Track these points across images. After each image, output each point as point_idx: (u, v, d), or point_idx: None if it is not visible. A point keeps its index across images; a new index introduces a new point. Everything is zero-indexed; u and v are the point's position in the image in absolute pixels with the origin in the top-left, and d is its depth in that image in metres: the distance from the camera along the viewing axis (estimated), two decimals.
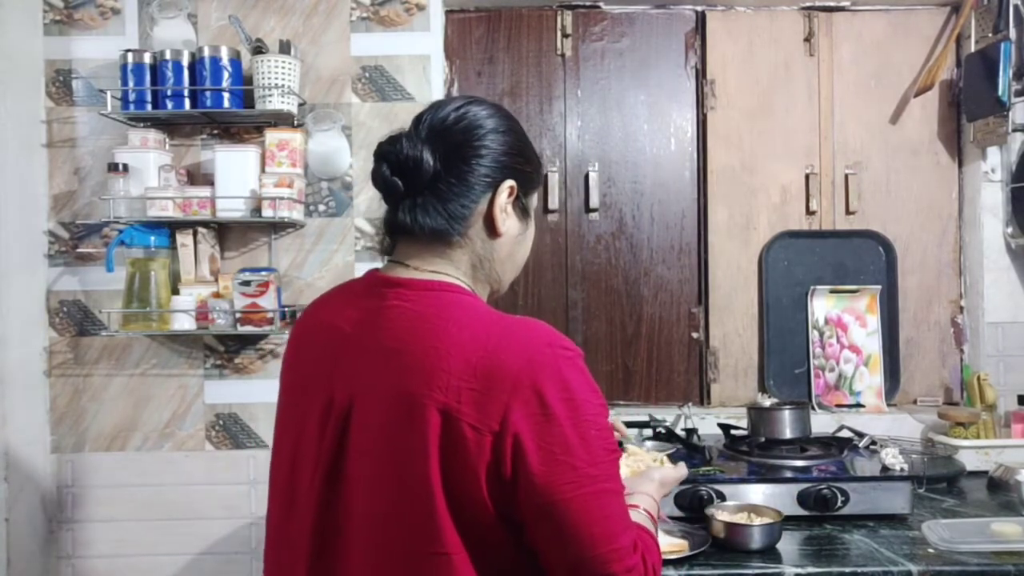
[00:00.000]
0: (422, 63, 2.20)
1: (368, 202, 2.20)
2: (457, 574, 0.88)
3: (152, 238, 2.06)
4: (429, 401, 0.87)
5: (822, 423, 2.10)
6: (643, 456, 1.41)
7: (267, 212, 2.02)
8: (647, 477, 1.21)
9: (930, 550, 1.45)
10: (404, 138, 1.00)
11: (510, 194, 1.02)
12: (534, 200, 1.10)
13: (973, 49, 2.22)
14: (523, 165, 1.05)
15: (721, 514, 1.55)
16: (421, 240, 1.00)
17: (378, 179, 1.00)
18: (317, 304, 1.08)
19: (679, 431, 2.04)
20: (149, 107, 2.07)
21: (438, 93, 2.21)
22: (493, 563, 0.90)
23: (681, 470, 1.28)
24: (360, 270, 2.19)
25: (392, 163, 0.99)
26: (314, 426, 0.97)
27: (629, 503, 1.14)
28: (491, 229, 1.02)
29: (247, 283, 2.02)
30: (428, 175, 0.98)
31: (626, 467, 1.35)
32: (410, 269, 1.00)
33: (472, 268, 1.02)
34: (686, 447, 1.91)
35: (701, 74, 2.35)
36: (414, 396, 0.88)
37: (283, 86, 2.05)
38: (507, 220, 1.02)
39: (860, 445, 1.86)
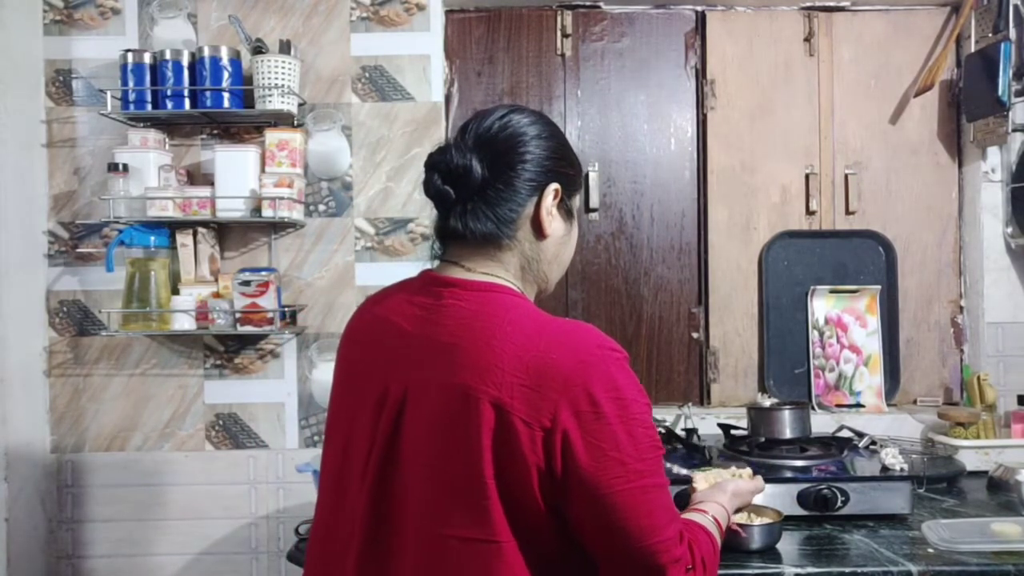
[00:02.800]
0: (422, 63, 2.21)
1: (368, 202, 2.20)
2: (506, 561, 0.92)
3: (152, 238, 2.06)
4: (482, 395, 0.91)
5: (822, 423, 2.10)
6: (723, 472, 1.48)
7: (267, 212, 2.02)
8: (720, 488, 1.33)
9: (930, 550, 1.45)
10: (452, 148, 1.03)
11: (555, 196, 1.06)
12: (577, 201, 1.14)
13: (973, 49, 2.22)
14: (566, 168, 1.09)
15: None
16: (472, 244, 1.04)
17: (430, 188, 1.04)
18: (372, 300, 1.11)
19: (679, 431, 2.04)
20: (149, 107, 2.08)
21: (438, 93, 2.22)
22: (540, 551, 0.94)
23: (757, 483, 1.40)
24: (360, 270, 2.19)
25: (443, 172, 1.03)
26: (367, 417, 1.00)
27: (698, 507, 1.23)
28: (538, 231, 1.06)
29: (247, 283, 2.02)
30: (477, 182, 1.02)
31: (704, 481, 1.38)
32: (464, 270, 1.04)
33: (521, 269, 1.07)
34: (686, 447, 1.91)
35: (701, 74, 2.35)
36: (468, 389, 0.92)
37: (283, 86, 2.05)
38: (553, 222, 1.07)
39: (860, 445, 1.86)
